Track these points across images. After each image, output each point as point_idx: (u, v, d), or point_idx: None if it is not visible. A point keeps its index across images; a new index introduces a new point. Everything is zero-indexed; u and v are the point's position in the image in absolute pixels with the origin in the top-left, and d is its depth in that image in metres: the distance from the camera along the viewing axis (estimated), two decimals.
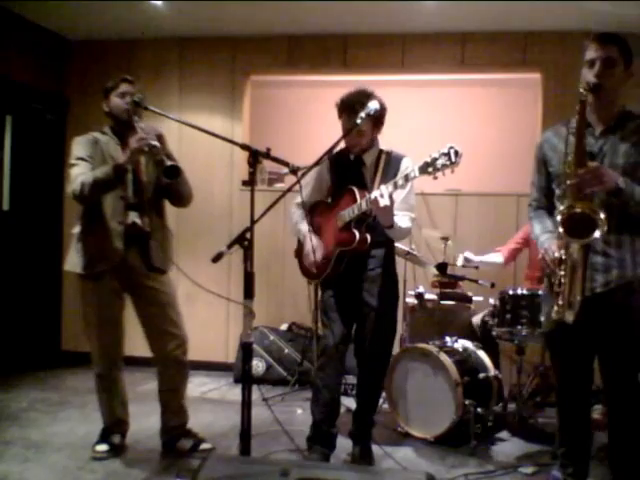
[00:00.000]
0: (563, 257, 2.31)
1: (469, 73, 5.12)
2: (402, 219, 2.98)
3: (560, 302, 2.31)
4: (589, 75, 2.38)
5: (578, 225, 2.24)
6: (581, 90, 2.33)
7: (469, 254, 4.20)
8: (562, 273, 2.31)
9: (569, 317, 2.30)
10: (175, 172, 2.87)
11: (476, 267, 4.24)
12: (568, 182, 2.32)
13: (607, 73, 2.36)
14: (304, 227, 3.05)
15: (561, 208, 2.30)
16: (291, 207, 3.22)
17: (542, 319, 2.70)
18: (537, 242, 2.57)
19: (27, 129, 5.08)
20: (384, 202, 2.77)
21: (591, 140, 2.42)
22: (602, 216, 2.20)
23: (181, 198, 3.19)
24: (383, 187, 2.81)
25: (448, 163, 2.63)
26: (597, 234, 2.20)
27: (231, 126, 5.18)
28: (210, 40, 5.20)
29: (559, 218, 2.27)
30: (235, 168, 5.19)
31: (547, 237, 2.50)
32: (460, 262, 4.20)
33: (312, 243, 3.02)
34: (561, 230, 2.25)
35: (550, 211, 2.60)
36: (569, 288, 2.29)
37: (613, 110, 2.44)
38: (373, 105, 2.88)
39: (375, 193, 2.81)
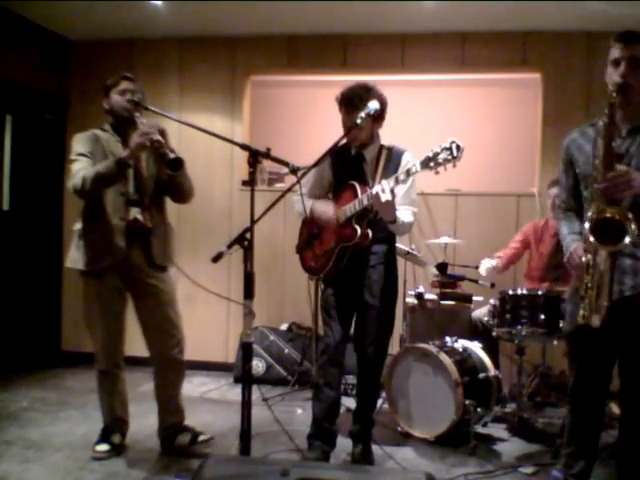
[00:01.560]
0: (590, 262, 2.28)
1: (469, 73, 5.13)
2: (404, 213, 2.98)
3: (586, 306, 2.28)
4: (615, 75, 2.36)
5: (607, 230, 2.21)
6: (610, 91, 2.30)
7: (488, 263, 4.12)
8: (589, 278, 2.28)
9: (595, 321, 2.26)
10: (178, 164, 2.88)
11: (476, 267, 4.25)
12: (596, 186, 2.29)
13: (633, 72, 2.33)
14: (306, 201, 3.03)
15: (589, 213, 2.26)
16: (293, 197, 3.18)
17: (566, 318, 2.64)
18: (564, 244, 2.54)
19: (27, 129, 5.08)
20: (385, 197, 2.77)
21: (618, 141, 2.39)
22: (633, 222, 2.17)
23: (182, 194, 3.19)
24: (384, 182, 2.82)
25: (450, 157, 2.63)
26: (627, 240, 2.17)
27: (231, 126, 5.18)
28: (210, 40, 5.20)
29: (587, 224, 2.24)
30: (235, 168, 5.19)
31: (572, 239, 2.48)
32: (484, 271, 4.11)
33: (322, 203, 3.06)
34: (591, 237, 2.22)
35: (578, 212, 2.57)
36: (596, 293, 2.26)
37: (639, 109, 2.40)
38: (373, 105, 2.89)
39: (376, 188, 2.81)
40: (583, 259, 2.31)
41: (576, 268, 2.39)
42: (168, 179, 3.06)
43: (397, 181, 2.81)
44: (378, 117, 3.02)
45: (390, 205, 2.81)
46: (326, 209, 3.08)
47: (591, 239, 2.22)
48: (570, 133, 2.63)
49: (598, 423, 2.60)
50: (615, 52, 2.38)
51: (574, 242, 2.45)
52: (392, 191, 2.79)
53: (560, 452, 2.78)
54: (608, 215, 2.23)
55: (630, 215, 2.19)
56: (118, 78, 3.10)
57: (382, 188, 2.78)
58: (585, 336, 2.43)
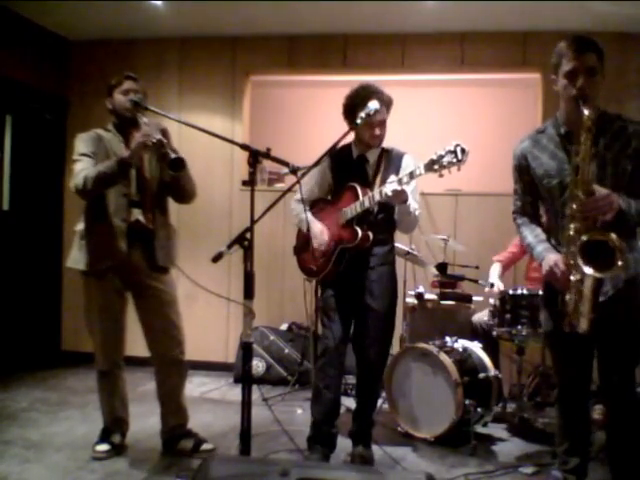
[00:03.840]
0: (574, 277, 2.26)
1: (469, 73, 5.13)
2: (412, 204, 2.99)
3: (573, 315, 2.28)
4: (571, 88, 2.33)
5: (596, 252, 2.19)
6: (587, 114, 2.25)
7: (494, 280, 4.12)
8: (574, 294, 2.27)
9: (583, 327, 2.26)
10: (180, 164, 2.87)
11: (476, 267, 4.24)
12: (575, 207, 2.26)
13: (590, 83, 2.31)
14: (307, 215, 3.04)
15: (583, 238, 2.23)
16: (291, 203, 3.21)
17: (541, 318, 2.69)
18: (532, 252, 2.53)
19: (27, 129, 5.08)
20: (400, 187, 2.79)
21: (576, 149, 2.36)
22: (624, 251, 2.16)
23: (184, 194, 3.19)
24: (392, 177, 2.85)
25: (455, 161, 2.63)
26: (615, 271, 2.16)
27: (231, 126, 5.19)
28: (210, 40, 5.21)
29: (577, 249, 2.23)
30: (235, 168, 5.19)
31: (544, 248, 2.46)
32: (491, 287, 4.12)
33: (318, 226, 3.05)
34: (584, 267, 2.20)
35: (534, 218, 2.60)
36: (582, 305, 2.25)
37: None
38: (373, 105, 2.89)
39: (389, 187, 2.81)
40: (572, 278, 2.28)
41: (557, 282, 2.36)
42: (171, 180, 3.06)
43: (400, 183, 2.81)
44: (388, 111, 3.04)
45: (403, 191, 2.82)
46: (322, 233, 3.06)
47: (584, 269, 2.20)
48: (521, 142, 2.62)
49: (586, 418, 2.63)
50: (569, 64, 2.33)
51: (548, 252, 2.43)
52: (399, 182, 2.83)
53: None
54: (601, 238, 2.21)
55: (623, 244, 2.17)
56: (121, 78, 3.09)
57: (392, 185, 2.80)
58: (562, 334, 2.43)
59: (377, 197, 2.88)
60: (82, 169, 2.96)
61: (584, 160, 2.26)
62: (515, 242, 4.31)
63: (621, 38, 4.62)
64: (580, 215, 2.27)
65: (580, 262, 2.22)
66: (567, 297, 2.31)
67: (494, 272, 4.17)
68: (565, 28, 4.65)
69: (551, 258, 2.39)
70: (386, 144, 3.14)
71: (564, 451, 2.63)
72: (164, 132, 2.98)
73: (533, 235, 2.55)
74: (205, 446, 3.20)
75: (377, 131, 3.01)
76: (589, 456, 2.66)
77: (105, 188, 2.97)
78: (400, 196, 2.84)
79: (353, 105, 3.01)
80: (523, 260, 4.34)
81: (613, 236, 2.19)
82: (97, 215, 3.04)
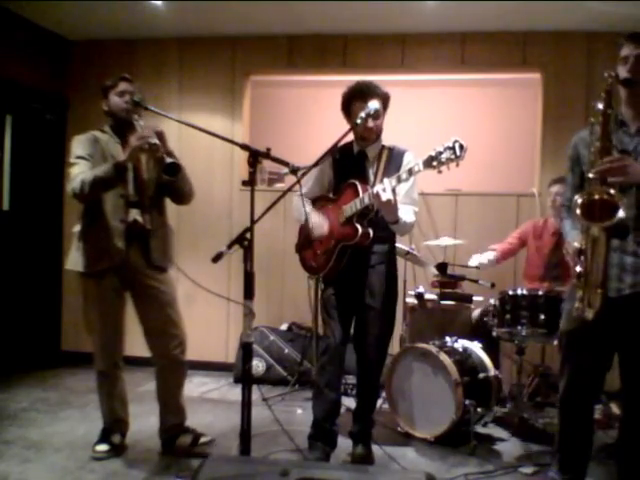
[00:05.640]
0: (583, 247, 2.27)
1: (469, 73, 5.13)
2: (407, 213, 2.97)
3: (580, 297, 2.26)
4: (622, 71, 2.40)
5: (599, 212, 2.21)
6: (606, 75, 2.34)
7: (479, 258, 4.14)
8: (583, 263, 2.26)
9: (588, 314, 2.25)
10: (175, 169, 2.88)
11: (477, 267, 4.24)
12: (592, 170, 2.28)
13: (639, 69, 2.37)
14: (306, 207, 3.03)
15: (582, 194, 2.26)
16: (293, 199, 3.17)
17: (563, 316, 2.62)
18: (566, 240, 2.55)
19: (27, 129, 5.08)
20: (386, 196, 2.76)
21: (626, 139, 2.40)
22: (623, 204, 2.16)
23: (182, 195, 3.19)
24: (386, 180, 2.81)
25: (453, 157, 2.63)
26: (621, 214, 2.16)
27: (231, 126, 5.18)
28: (210, 40, 5.20)
29: (578, 202, 2.24)
30: (235, 168, 5.19)
31: (575, 232, 2.47)
32: (475, 263, 4.13)
33: (317, 218, 3.04)
34: (579, 213, 2.22)
35: None
36: (590, 282, 2.24)
37: None
38: (373, 105, 2.89)
39: (377, 187, 2.80)
40: (575, 244, 2.30)
41: (570, 257, 2.40)
42: (168, 182, 3.06)
43: (399, 180, 2.81)
44: (386, 106, 3.04)
45: (392, 204, 2.80)
46: (322, 224, 3.06)
47: (577, 213, 2.22)
48: (580, 131, 2.62)
49: (589, 427, 2.59)
50: (625, 50, 2.42)
51: (572, 234, 2.46)
52: (393, 190, 2.79)
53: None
54: (597, 197, 2.23)
55: (619, 194, 2.19)
56: (116, 79, 3.10)
57: (383, 187, 2.78)
58: (581, 335, 2.41)
59: (366, 200, 2.88)
60: (79, 173, 2.96)
61: (598, 120, 2.31)
62: (514, 234, 4.31)
63: None
64: (595, 177, 2.27)
65: (579, 214, 2.22)
66: (577, 275, 2.29)
67: (482, 256, 4.14)
68: (564, 28, 4.66)
69: (570, 237, 2.44)
70: (387, 143, 3.13)
71: (562, 459, 2.59)
72: (160, 135, 2.97)
73: (571, 224, 2.53)
74: (203, 439, 3.21)
75: (370, 123, 2.98)
76: (588, 462, 2.60)
77: (102, 192, 2.98)
78: (385, 203, 2.79)
79: (349, 101, 3.03)
80: (523, 260, 4.34)
81: (610, 190, 2.21)
82: (94, 216, 3.04)
